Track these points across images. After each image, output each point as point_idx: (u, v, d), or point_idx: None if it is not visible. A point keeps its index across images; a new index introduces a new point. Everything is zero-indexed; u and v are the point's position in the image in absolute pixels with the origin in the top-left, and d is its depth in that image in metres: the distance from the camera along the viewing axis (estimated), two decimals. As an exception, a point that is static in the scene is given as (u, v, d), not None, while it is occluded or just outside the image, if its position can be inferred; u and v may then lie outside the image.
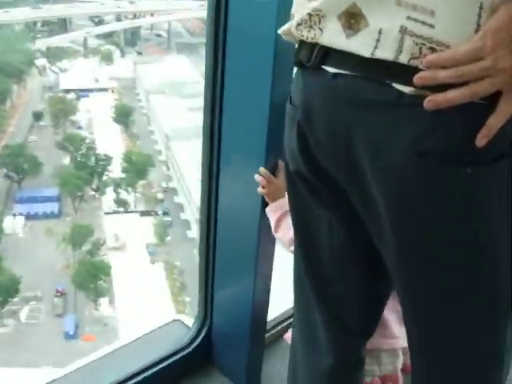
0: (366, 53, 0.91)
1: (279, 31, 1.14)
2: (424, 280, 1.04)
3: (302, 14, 1.02)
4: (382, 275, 1.21)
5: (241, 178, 1.60)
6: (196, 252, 22.72)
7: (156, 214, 25.47)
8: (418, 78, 0.86)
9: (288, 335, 2.02)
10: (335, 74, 0.98)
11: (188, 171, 26.02)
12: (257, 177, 1.51)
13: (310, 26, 1.00)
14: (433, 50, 0.85)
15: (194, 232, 24.14)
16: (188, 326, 2.03)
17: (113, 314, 19.82)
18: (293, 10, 1.08)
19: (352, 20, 0.93)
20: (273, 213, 1.54)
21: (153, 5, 41.97)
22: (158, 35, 43.86)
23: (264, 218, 1.54)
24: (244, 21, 1.42)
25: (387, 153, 0.92)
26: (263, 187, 1.52)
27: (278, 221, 1.53)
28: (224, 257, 1.77)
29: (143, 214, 24.99)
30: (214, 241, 1.75)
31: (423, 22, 0.85)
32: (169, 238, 24.05)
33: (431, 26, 0.84)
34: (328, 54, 0.99)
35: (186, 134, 28.14)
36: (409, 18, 0.86)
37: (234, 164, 1.60)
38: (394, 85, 0.88)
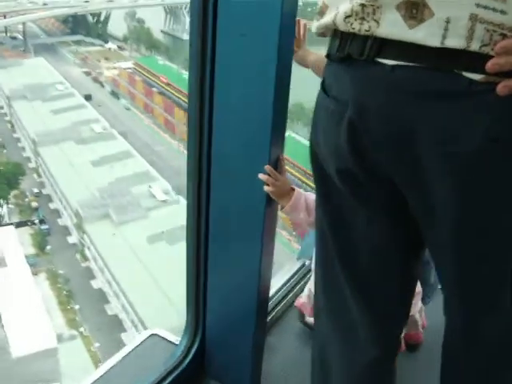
0: (434, 42, 0.90)
1: (313, 27, 1.10)
2: (483, 268, 1.06)
3: (351, 5, 0.98)
4: (417, 259, 1.25)
5: (240, 175, 1.49)
6: (79, 257, 22.36)
7: (32, 223, 24.48)
8: (492, 65, 0.87)
9: (299, 302, 2.00)
10: (394, 66, 0.95)
11: (60, 175, 25.06)
12: (262, 176, 1.42)
13: (363, 18, 0.97)
14: (504, 36, 0.86)
15: (74, 237, 23.52)
16: (168, 340, 1.89)
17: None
18: (328, 2, 1.04)
19: (414, 10, 0.91)
20: (295, 211, 1.50)
21: (3, 6, 39.26)
22: (13, 38, 41.73)
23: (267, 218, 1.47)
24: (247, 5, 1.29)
25: (461, 141, 0.91)
26: (268, 185, 1.44)
27: (308, 215, 1.52)
28: (219, 258, 1.63)
29: (19, 225, 23.81)
30: (205, 243, 1.61)
31: (494, 9, 0.85)
32: (49, 247, 23.18)
33: (502, 12, 0.85)
34: (384, 45, 0.96)
35: (54, 138, 27.09)
36: (478, 5, 0.86)
37: (231, 161, 1.48)
38: (464, 73, 0.89)
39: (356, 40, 0.99)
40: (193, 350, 1.74)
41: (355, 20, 0.98)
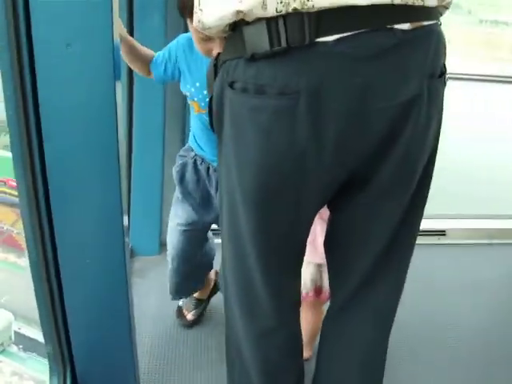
0: (364, 1, 0.86)
1: (205, 23, 0.98)
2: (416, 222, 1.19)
3: None
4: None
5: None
6: None
7: None
8: None
9: None
10: (337, 41, 0.88)
11: None
12: None
13: None
14: None
15: None
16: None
17: None
18: None
19: None
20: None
21: None
22: None
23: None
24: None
25: (408, 86, 0.94)
26: None
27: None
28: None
29: None
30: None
31: None
32: None
33: None
34: (321, 21, 0.87)
35: None
36: None
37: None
38: (396, 26, 0.90)
39: (290, 23, 0.87)
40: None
41: None
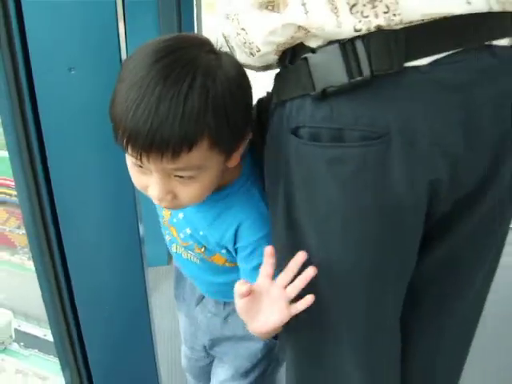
0: (460, 8, 0.67)
1: (262, 47, 0.77)
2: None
3: None
4: None
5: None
6: None
7: None
8: None
9: None
10: (431, 64, 0.69)
11: None
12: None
13: (373, 5, 0.65)
14: None
15: None
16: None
17: None
18: None
19: None
20: None
21: None
22: None
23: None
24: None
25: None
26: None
27: None
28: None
29: None
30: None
31: None
32: None
33: None
34: (410, 39, 0.67)
35: None
36: None
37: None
38: (494, 42, 0.73)
39: (373, 44, 0.68)
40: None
41: (364, 5, 0.66)
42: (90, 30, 0.91)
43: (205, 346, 1.30)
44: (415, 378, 1.05)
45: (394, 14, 0.67)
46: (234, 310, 1.08)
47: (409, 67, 0.69)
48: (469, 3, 0.69)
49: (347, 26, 0.68)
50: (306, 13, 0.69)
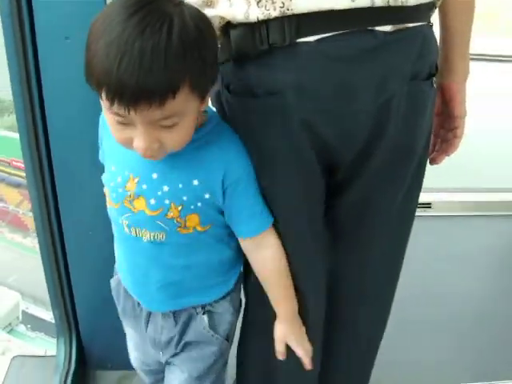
0: (344, 4, 0.89)
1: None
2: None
3: None
4: None
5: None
6: None
7: None
8: None
9: None
10: (318, 41, 0.91)
11: None
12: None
13: (273, 1, 0.90)
14: None
15: None
16: (37, 356, 1.74)
17: None
18: None
19: None
20: None
21: None
22: None
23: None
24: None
25: (386, 88, 0.95)
26: None
27: None
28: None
29: None
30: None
31: None
32: None
33: None
34: (301, 23, 0.91)
35: None
36: None
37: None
38: (377, 28, 0.92)
39: (272, 27, 0.93)
40: (73, 356, 1.61)
41: (267, 1, 0.91)
42: (82, 5, 1.13)
43: (160, 362, 1.25)
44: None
45: (288, 9, 0.91)
46: (189, 318, 1.12)
47: (300, 42, 0.92)
48: (353, 1, 0.91)
49: (253, 17, 0.92)
50: (231, 6, 0.95)
